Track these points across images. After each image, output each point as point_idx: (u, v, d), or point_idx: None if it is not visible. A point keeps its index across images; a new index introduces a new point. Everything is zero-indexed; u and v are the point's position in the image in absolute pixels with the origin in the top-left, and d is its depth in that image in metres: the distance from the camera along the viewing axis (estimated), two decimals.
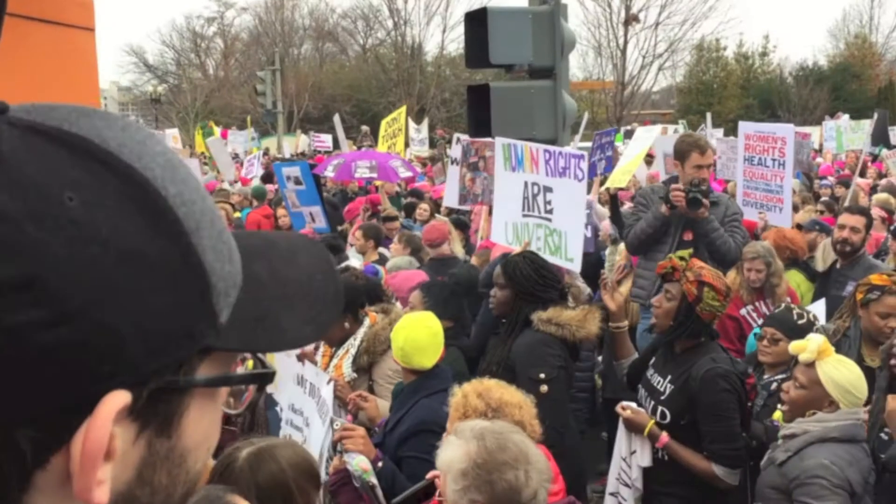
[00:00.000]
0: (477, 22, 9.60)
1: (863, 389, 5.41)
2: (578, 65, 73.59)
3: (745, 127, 12.63)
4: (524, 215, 8.75)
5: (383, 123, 22.40)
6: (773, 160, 11.79)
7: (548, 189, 8.43)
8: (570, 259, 8.09)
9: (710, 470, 5.99)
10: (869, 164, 24.44)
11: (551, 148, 8.50)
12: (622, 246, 10.33)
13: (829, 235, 10.57)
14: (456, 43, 73.80)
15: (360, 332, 7.10)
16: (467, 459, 3.82)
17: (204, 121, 64.67)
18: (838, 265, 9.54)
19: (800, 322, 6.89)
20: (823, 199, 16.90)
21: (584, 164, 8.07)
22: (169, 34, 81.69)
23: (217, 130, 31.94)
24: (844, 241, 9.37)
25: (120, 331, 0.91)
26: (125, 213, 0.93)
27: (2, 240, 0.86)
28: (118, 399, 0.94)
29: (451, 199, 16.43)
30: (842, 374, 5.38)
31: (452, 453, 3.90)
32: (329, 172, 20.86)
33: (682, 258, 6.34)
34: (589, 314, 6.85)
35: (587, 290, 10.07)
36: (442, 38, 74.57)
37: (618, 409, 6.40)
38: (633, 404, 6.42)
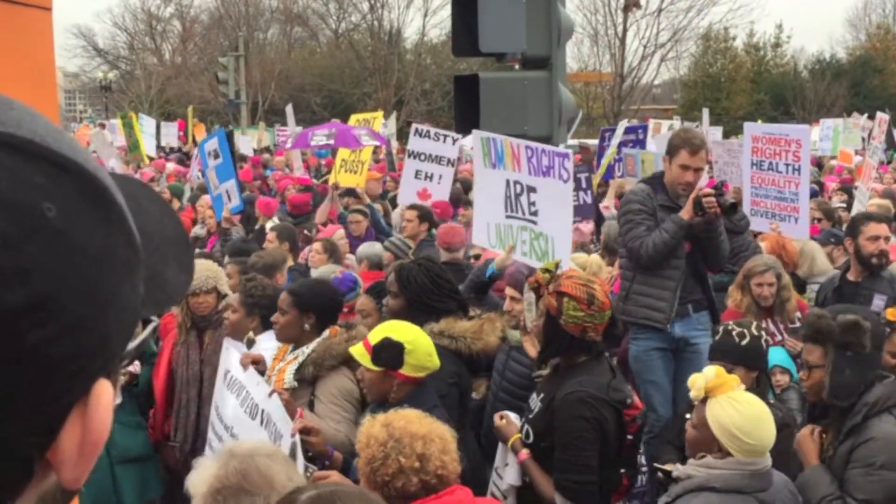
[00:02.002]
0: (465, 6, 9.62)
1: (757, 436, 5.11)
2: (573, 54, 73.55)
3: (751, 128, 12.59)
4: (507, 216, 8.78)
5: (352, 119, 22.30)
6: (787, 165, 11.71)
7: (531, 189, 8.46)
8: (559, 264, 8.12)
9: (553, 498, 6.02)
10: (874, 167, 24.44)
11: (533, 144, 8.47)
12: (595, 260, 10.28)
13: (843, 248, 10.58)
14: (438, 29, 74.05)
15: (315, 342, 7.12)
16: (208, 483, 3.98)
17: (158, 109, 64.55)
18: (850, 276, 9.47)
19: (744, 343, 6.71)
20: (824, 206, 16.80)
21: (570, 164, 8.08)
22: (121, 15, 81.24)
23: (137, 121, 31.82)
24: (882, 253, 9.26)
25: (109, 329, 1.02)
26: (87, 213, 1.01)
27: (10, 265, 0.93)
28: (108, 387, 1.05)
29: (406, 196, 16.44)
30: (729, 415, 5.11)
31: (199, 476, 4.07)
32: (287, 144, 21.04)
33: (546, 271, 6.37)
34: (486, 324, 6.86)
35: None
36: (423, 22, 74.56)
37: (495, 417, 6.50)
38: (512, 414, 6.51)
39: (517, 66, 10.46)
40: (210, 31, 79.90)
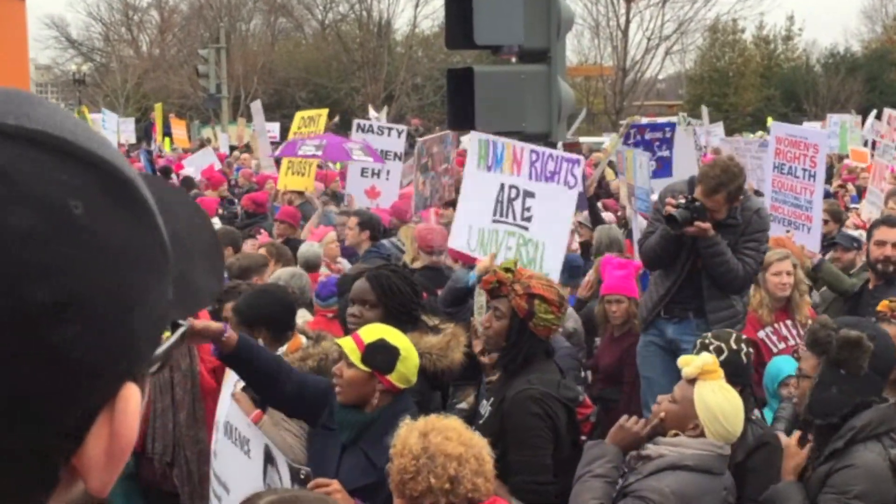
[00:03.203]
0: None
1: (735, 424, 5.58)
2: (572, 47, 73.48)
3: (777, 129, 12.59)
4: (494, 221, 8.89)
5: (297, 117, 21.93)
6: (804, 170, 11.71)
7: (529, 194, 8.58)
8: (545, 273, 8.21)
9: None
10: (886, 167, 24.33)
11: (540, 149, 8.59)
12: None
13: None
14: (430, 20, 74.06)
15: None
16: None
17: (134, 104, 64.48)
18: (870, 285, 9.40)
19: (721, 359, 6.40)
20: (832, 208, 16.67)
21: (579, 171, 8.23)
22: (96, 4, 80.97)
23: (90, 117, 31.66)
24: (887, 259, 9.15)
25: (136, 330, 1.05)
26: (114, 210, 1.04)
27: (37, 261, 0.96)
28: (136, 391, 1.07)
29: (354, 195, 16.44)
30: (717, 399, 5.54)
31: None
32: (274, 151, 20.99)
33: (507, 269, 6.42)
34: (452, 340, 6.81)
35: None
36: (414, 13, 74.88)
37: None
38: None
39: (514, 60, 10.48)
40: (190, 22, 79.79)
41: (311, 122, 20.49)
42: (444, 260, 11.07)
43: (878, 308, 6.99)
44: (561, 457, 6.09)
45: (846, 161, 28.61)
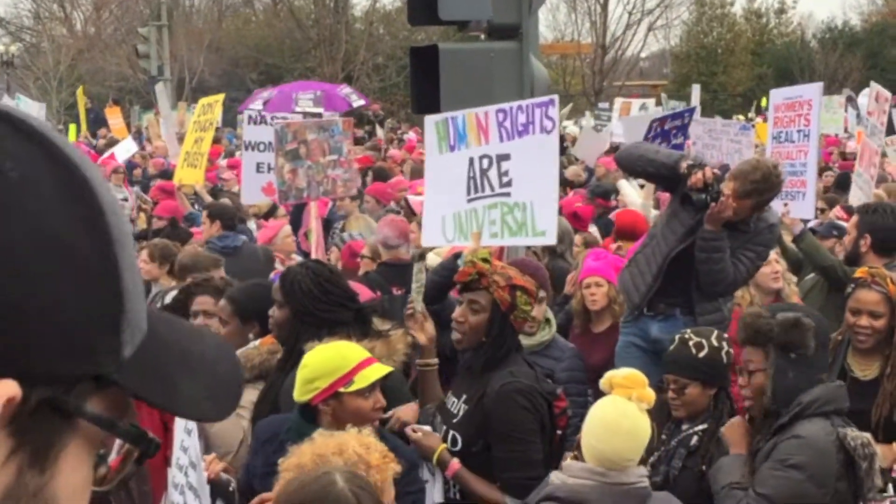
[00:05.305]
0: None
1: (612, 446, 5.24)
2: (547, 22, 73.73)
3: (775, 96, 12.67)
4: (470, 200, 8.94)
5: (200, 104, 21.52)
6: (798, 131, 11.84)
7: (503, 157, 8.68)
8: (540, 233, 8.39)
9: (502, 502, 6.14)
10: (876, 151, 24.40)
11: (507, 105, 8.72)
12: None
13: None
14: None
15: (239, 351, 7.01)
16: None
17: (68, 88, 64.14)
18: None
19: (701, 355, 6.56)
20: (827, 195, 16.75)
21: (555, 111, 8.38)
22: None
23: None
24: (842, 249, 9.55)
25: (26, 312, 1.03)
26: (61, 200, 1.06)
27: None
28: (7, 388, 1.03)
29: (250, 194, 16.36)
30: (599, 413, 5.36)
31: None
32: (256, 106, 20.55)
33: (485, 259, 6.47)
34: (379, 347, 6.54)
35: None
36: None
37: (408, 430, 6.44)
38: (427, 427, 6.53)
39: (483, 36, 10.48)
40: None
41: (208, 109, 19.96)
42: (404, 253, 11.02)
43: (857, 275, 7.26)
44: (543, 452, 6.18)
45: (849, 143, 28.77)
